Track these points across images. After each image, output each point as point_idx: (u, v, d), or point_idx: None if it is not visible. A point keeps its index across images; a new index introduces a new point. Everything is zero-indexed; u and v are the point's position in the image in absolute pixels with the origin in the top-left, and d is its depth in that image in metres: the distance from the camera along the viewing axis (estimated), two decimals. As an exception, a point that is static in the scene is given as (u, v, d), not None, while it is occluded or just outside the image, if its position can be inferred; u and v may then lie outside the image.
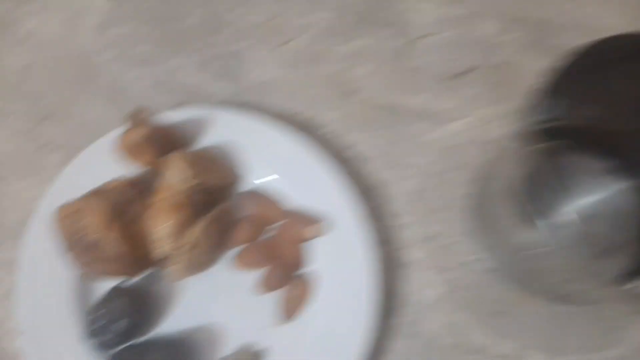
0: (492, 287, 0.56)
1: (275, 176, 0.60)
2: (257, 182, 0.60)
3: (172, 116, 0.59)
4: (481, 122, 0.62)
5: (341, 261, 0.56)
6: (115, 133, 0.60)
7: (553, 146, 0.46)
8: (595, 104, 0.44)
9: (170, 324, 0.58)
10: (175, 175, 0.56)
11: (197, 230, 0.54)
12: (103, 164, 0.60)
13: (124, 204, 0.56)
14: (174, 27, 0.71)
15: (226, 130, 0.61)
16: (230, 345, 0.57)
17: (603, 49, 0.40)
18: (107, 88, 0.70)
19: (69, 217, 0.54)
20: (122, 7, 0.73)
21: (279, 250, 0.57)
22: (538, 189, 0.47)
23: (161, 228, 0.54)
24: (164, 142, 0.57)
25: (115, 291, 0.55)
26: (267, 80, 0.67)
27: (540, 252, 0.44)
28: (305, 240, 0.57)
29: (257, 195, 0.59)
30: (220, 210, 0.57)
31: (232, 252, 0.59)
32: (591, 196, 0.51)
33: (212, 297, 0.58)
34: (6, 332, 0.62)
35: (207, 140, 0.61)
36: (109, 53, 0.71)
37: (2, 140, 0.70)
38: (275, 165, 0.60)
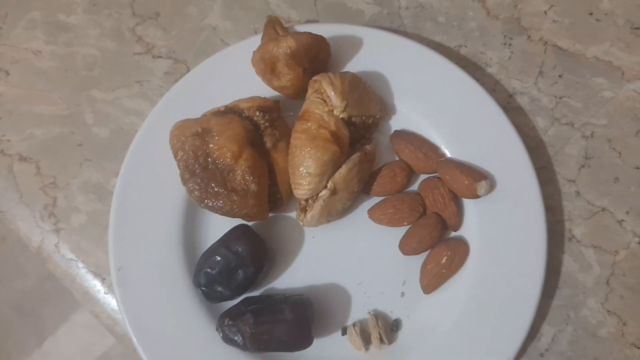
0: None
1: (431, 118, 0.50)
2: (408, 123, 0.51)
3: (315, 32, 0.48)
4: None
5: (503, 227, 0.47)
6: (245, 44, 0.50)
7: None
8: None
9: (292, 279, 0.50)
10: (322, 104, 0.46)
11: (338, 174, 0.45)
12: (228, 79, 0.50)
13: (254, 132, 0.47)
14: None
15: (378, 56, 0.51)
16: (359, 310, 0.49)
17: None
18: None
19: (192, 136, 0.45)
20: None
21: (428, 207, 0.49)
22: None
23: (303, 167, 0.45)
24: (310, 60, 0.47)
25: (235, 235, 0.47)
26: (423, 3, 0.56)
27: None
28: (464, 198, 0.48)
29: (408, 139, 0.49)
30: (365, 153, 0.47)
31: (371, 202, 0.50)
32: None
33: (342, 252, 0.50)
34: (97, 264, 0.53)
35: (356, 65, 0.51)
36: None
37: (99, 37, 0.59)
38: (432, 105, 0.50)
